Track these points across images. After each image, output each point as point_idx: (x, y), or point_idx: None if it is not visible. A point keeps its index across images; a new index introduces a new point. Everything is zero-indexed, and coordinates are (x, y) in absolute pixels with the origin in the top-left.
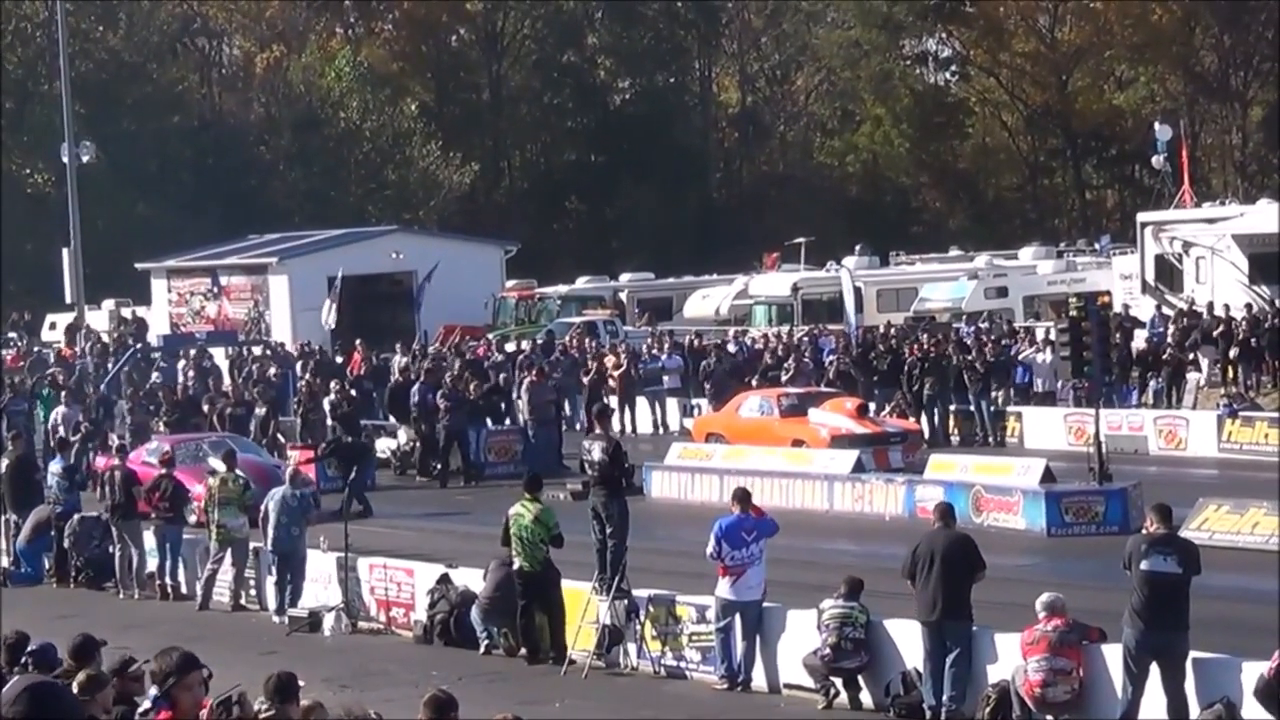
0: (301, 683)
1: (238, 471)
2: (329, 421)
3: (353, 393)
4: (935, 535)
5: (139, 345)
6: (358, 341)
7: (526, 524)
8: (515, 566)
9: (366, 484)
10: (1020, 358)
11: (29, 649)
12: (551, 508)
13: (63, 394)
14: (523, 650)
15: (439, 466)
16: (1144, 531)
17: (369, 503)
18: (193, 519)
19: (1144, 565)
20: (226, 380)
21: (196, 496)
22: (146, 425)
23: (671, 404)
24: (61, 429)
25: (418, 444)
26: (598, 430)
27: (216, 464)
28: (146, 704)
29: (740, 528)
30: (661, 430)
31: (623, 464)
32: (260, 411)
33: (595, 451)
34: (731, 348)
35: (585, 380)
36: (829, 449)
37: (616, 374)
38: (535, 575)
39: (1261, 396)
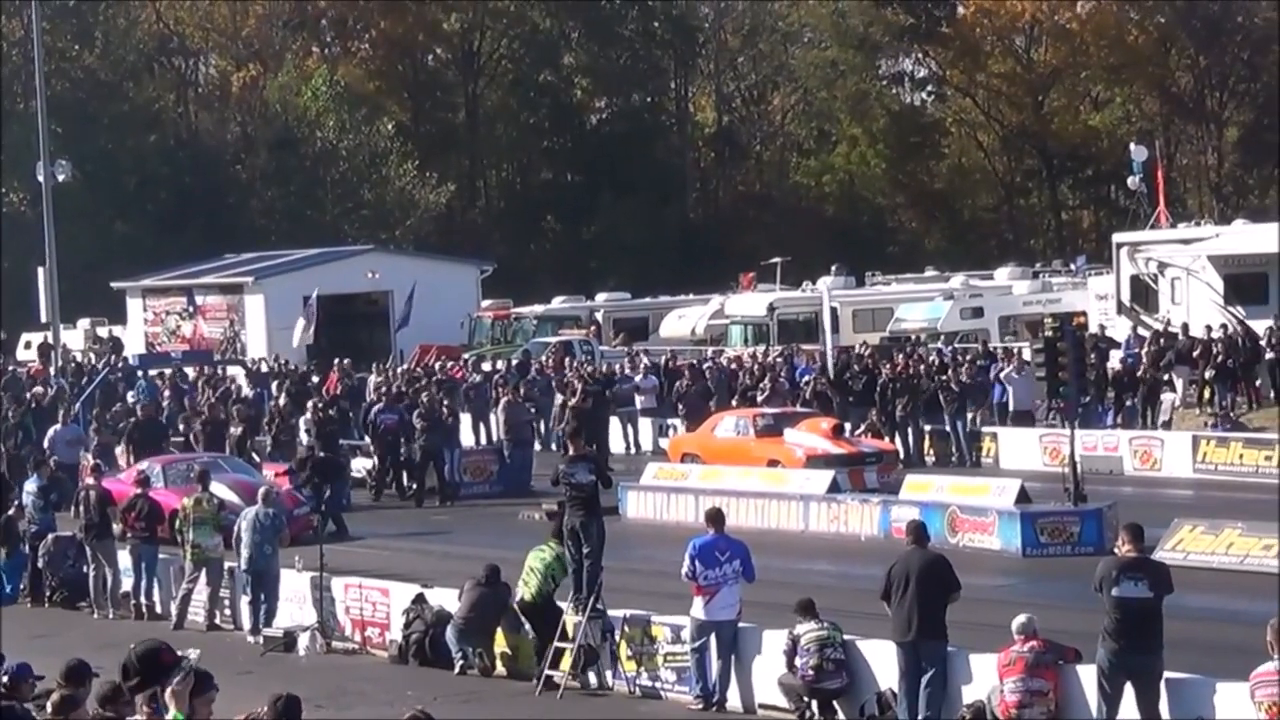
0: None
1: (212, 491)
2: (304, 441)
3: (332, 412)
4: (911, 556)
5: (113, 364)
6: (336, 361)
7: (547, 558)
8: (518, 597)
9: (342, 504)
10: (1001, 376)
11: (9, 668)
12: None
13: (59, 413)
14: (500, 669)
15: (414, 486)
16: (1116, 552)
17: (344, 523)
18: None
19: (1115, 591)
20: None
21: None
22: (111, 447)
23: (645, 423)
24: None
25: (374, 467)
26: (572, 451)
27: (216, 486)
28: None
29: (714, 548)
30: (634, 450)
31: (608, 484)
32: (235, 430)
33: (580, 474)
34: (706, 366)
35: (571, 404)
36: (804, 469)
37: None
38: (537, 606)
39: (1239, 417)
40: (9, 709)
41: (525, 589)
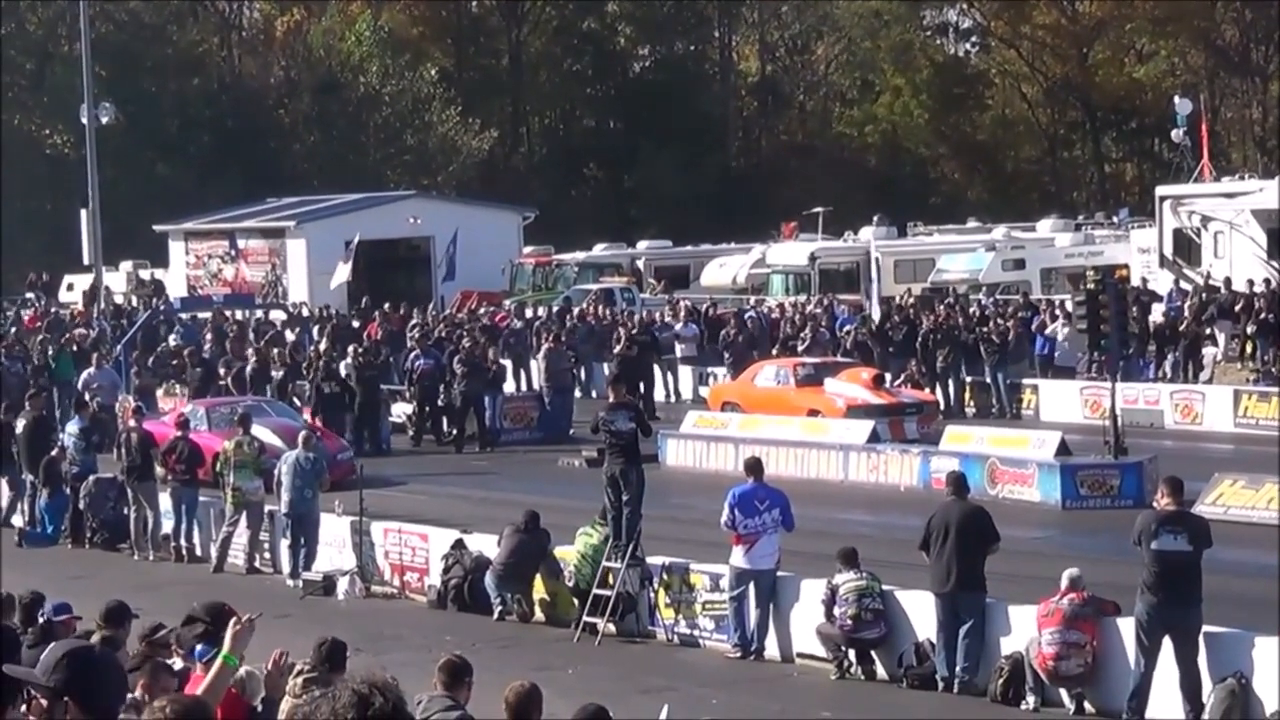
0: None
1: (253, 434)
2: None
3: (375, 359)
4: (950, 507)
5: (157, 309)
6: (386, 306)
7: (594, 541)
8: (571, 584)
9: (381, 446)
10: (1046, 332)
11: (46, 609)
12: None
13: (94, 355)
14: (539, 616)
15: (454, 432)
16: (1155, 505)
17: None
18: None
19: (1155, 545)
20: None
21: None
22: (151, 389)
23: (686, 371)
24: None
25: (414, 412)
26: (612, 399)
27: (259, 429)
28: (177, 663)
29: (754, 496)
30: (675, 399)
31: (648, 433)
32: (277, 374)
33: (620, 421)
34: (748, 315)
35: (616, 350)
36: (844, 419)
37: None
38: (586, 593)
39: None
40: (92, 650)
41: (579, 576)
